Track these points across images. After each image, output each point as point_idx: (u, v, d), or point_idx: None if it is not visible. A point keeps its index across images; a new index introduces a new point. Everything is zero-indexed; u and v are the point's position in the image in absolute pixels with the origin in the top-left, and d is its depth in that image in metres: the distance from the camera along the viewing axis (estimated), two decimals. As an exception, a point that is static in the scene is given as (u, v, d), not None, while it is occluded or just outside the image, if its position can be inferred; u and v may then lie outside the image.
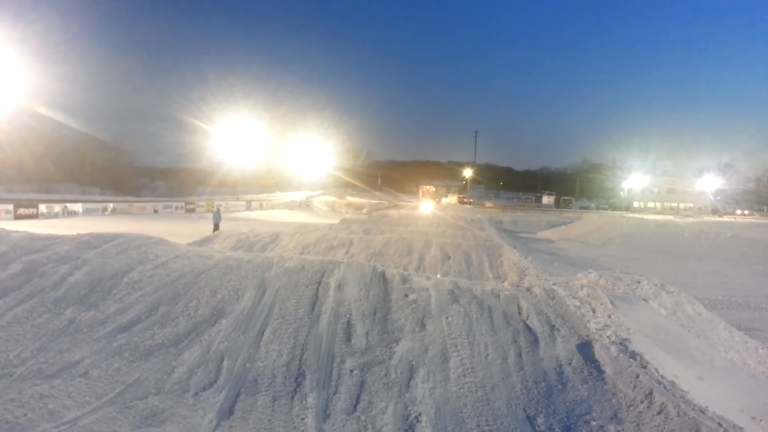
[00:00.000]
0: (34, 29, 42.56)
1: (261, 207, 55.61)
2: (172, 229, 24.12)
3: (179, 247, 11.30)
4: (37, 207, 32.71)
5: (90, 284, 8.64)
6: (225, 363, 6.76)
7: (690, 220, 54.89)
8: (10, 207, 30.70)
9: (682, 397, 5.87)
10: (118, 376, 6.44)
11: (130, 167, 72.68)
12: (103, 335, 7.31)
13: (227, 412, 5.86)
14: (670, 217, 57.47)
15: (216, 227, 25.91)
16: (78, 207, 35.92)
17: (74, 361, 6.66)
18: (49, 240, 10.62)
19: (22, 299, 8.07)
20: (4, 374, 6.33)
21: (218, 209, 31.32)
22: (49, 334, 7.27)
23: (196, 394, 6.16)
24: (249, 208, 53.72)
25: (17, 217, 30.13)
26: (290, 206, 59.13)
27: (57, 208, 34.12)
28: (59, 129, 57.68)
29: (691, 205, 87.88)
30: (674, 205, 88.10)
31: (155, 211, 42.47)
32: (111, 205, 39.63)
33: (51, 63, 46.38)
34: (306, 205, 61.59)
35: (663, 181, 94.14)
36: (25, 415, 5.39)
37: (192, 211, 45.59)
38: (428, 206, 38.33)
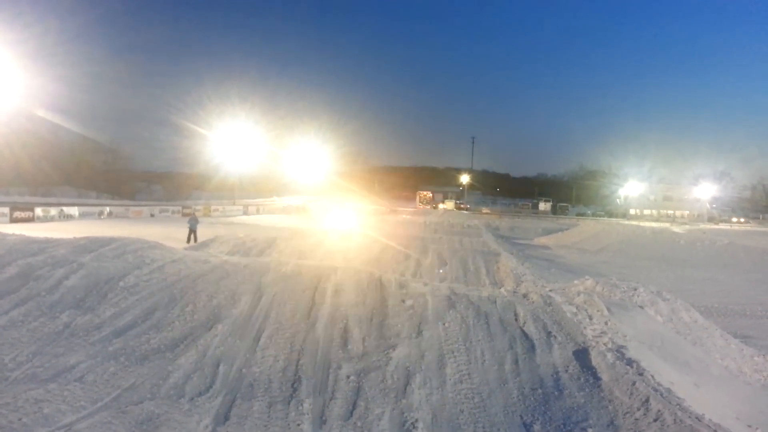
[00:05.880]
0: (32, 31, 42.46)
1: (258, 211, 55.51)
2: (168, 234, 24.01)
3: (176, 252, 11.29)
4: (33, 210, 32.58)
5: (86, 288, 8.61)
6: (221, 368, 6.74)
7: (686, 227, 55.02)
8: (7, 210, 30.58)
9: (678, 404, 5.87)
10: (113, 380, 6.42)
11: (126, 171, 72.55)
12: (98, 339, 7.29)
13: (223, 417, 5.84)
14: (667, 225, 57.60)
15: (192, 233, 24.11)
16: (74, 210, 35.79)
17: (70, 366, 6.63)
18: (46, 243, 10.59)
19: (18, 303, 8.04)
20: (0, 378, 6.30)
21: (194, 214, 29.19)
22: (45, 338, 7.24)
23: (192, 399, 6.14)
24: (246, 212, 53.62)
25: (13, 220, 30.02)
26: (287, 211, 59.10)
27: (53, 211, 33.98)
28: (56, 132, 57.56)
29: (687, 212, 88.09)
30: (670, 212, 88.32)
31: (152, 215, 42.35)
32: (107, 209, 39.48)
33: (48, 65, 46.28)
34: (303, 210, 61.54)
35: (659, 188, 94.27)
36: (20, 419, 5.36)
37: (189, 215, 45.38)
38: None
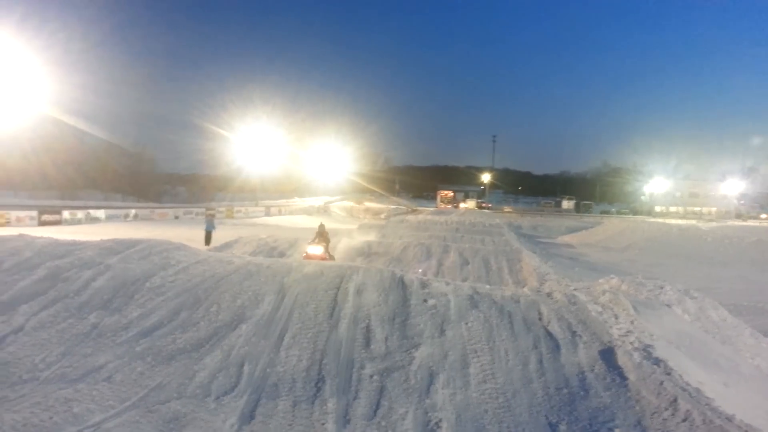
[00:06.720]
0: (57, 38, 43.32)
1: (280, 212, 55.90)
2: (192, 235, 24.30)
3: (200, 253, 11.41)
4: (60, 213, 33.19)
5: (113, 289, 8.75)
6: (246, 368, 6.80)
7: (713, 224, 53.99)
8: (35, 213, 31.19)
9: (707, 404, 5.76)
10: (140, 380, 6.51)
11: (151, 174, 73.55)
12: (126, 340, 7.40)
13: (248, 416, 5.88)
14: (693, 222, 56.54)
15: (208, 236, 24.20)
16: (100, 213, 36.38)
17: (98, 366, 6.74)
18: (73, 246, 10.77)
19: (47, 304, 8.19)
20: (30, 378, 6.43)
21: (212, 217, 28.63)
22: (73, 339, 7.37)
23: (218, 398, 6.20)
24: (268, 213, 54.03)
25: (41, 223, 30.62)
26: (309, 212, 59.38)
27: (80, 214, 34.59)
28: (81, 136, 58.50)
29: (715, 209, 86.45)
30: (697, 209, 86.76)
31: (176, 217, 42.88)
32: (133, 212, 40.09)
33: (73, 71, 47.11)
34: (324, 211, 61.79)
35: (685, 184, 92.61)
36: (51, 418, 5.47)
37: (213, 217, 45.87)
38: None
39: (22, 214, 30.58)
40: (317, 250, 17.14)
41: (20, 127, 41.17)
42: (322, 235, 18.24)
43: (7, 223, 28.75)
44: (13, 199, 48.07)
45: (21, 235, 11.55)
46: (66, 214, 33.54)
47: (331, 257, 17.91)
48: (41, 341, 7.25)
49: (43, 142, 51.33)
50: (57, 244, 10.96)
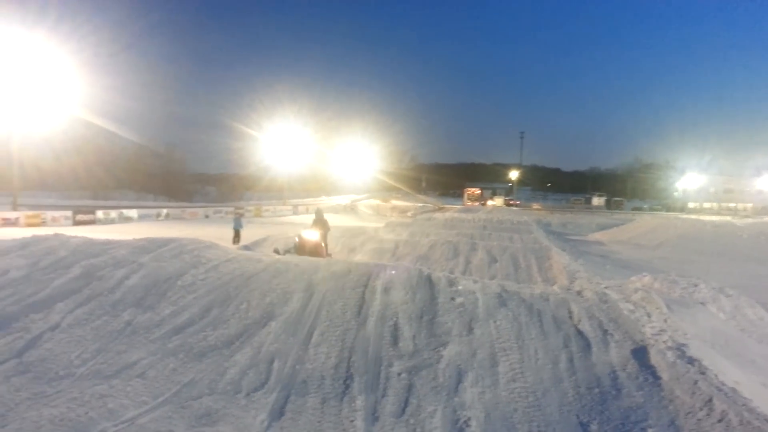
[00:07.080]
0: (88, 41, 44.11)
1: (307, 211, 56.22)
2: (222, 234, 24.61)
3: (230, 251, 11.56)
4: (94, 213, 33.96)
5: (146, 287, 8.91)
6: (275, 364, 6.86)
7: (749, 220, 52.57)
8: (69, 213, 31.98)
9: (744, 404, 5.62)
10: (173, 376, 6.62)
11: (181, 174, 74.87)
12: (158, 337, 7.53)
13: (278, 412, 5.94)
14: (728, 218, 55.19)
15: (237, 234, 24.80)
16: (133, 213, 37.12)
17: (131, 362, 6.87)
18: (107, 245, 11.00)
19: (82, 302, 8.37)
20: (67, 374, 6.58)
21: (239, 215, 30.03)
22: (108, 336, 7.53)
23: (248, 394, 6.27)
24: (296, 212, 54.56)
25: (76, 223, 31.38)
26: (335, 210, 59.61)
27: (113, 214, 35.34)
28: (112, 138, 59.71)
29: (750, 205, 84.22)
30: (732, 205, 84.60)
31: (206, 216, 43.55)
32: (164, 211, 40.81)
33: (104, 74, 48.08)
34: (351, 209, 61.99)
35: (719, 180, 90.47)
36: (87, 413, 5.60)
37: (241, 216, 46.43)
38: None
39: (57, 214, 31.40)
40: (312, 234, 16.35)
41: (52, 129, 42.12)
42: (320, 222, 17.35)
43: (43, 223, 29.56)
44: (48, 200, 49.37)
45: (56, 235, 11.84)
46: (100, 213, 34.31)
47: (326, 246, 17.00)
48: (77, 338, 7.41)
49: (75, 144, 52.56)
50: (91, 243, 11.19)
